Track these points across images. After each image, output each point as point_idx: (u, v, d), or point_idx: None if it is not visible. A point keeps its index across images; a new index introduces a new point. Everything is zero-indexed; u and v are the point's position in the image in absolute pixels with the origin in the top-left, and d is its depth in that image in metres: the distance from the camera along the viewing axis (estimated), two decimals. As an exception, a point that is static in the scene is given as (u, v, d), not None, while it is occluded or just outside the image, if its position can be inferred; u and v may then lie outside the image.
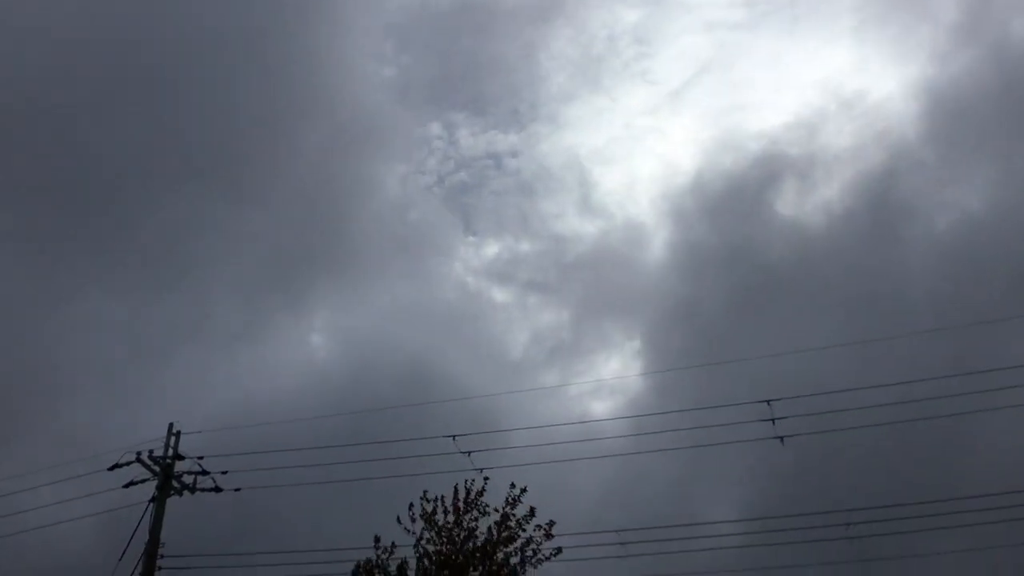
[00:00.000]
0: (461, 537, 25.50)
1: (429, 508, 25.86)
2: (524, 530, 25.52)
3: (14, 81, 51.95)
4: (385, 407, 29.73)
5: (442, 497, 25.97)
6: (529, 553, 25.24)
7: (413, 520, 25.76)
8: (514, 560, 25.19)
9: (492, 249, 57.89)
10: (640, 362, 49.83)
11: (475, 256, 56.82)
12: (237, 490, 27.76)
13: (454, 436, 25.50)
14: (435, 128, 63.82)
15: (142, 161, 54.00)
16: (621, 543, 24.89)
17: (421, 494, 25.96)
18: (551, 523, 25.39)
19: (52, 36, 53.04)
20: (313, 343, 51.69)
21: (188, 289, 51.99)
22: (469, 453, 25.60)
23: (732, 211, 54.70)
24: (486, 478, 25.92)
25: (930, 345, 32.48)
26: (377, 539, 26.10)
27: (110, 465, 27.13)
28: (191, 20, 55.86)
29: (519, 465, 25.99)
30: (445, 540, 25.47)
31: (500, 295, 54.34)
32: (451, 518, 25.73)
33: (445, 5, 67.18)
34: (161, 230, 51.86)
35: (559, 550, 25.18)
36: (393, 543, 25.89)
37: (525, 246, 57.24)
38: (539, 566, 25.18)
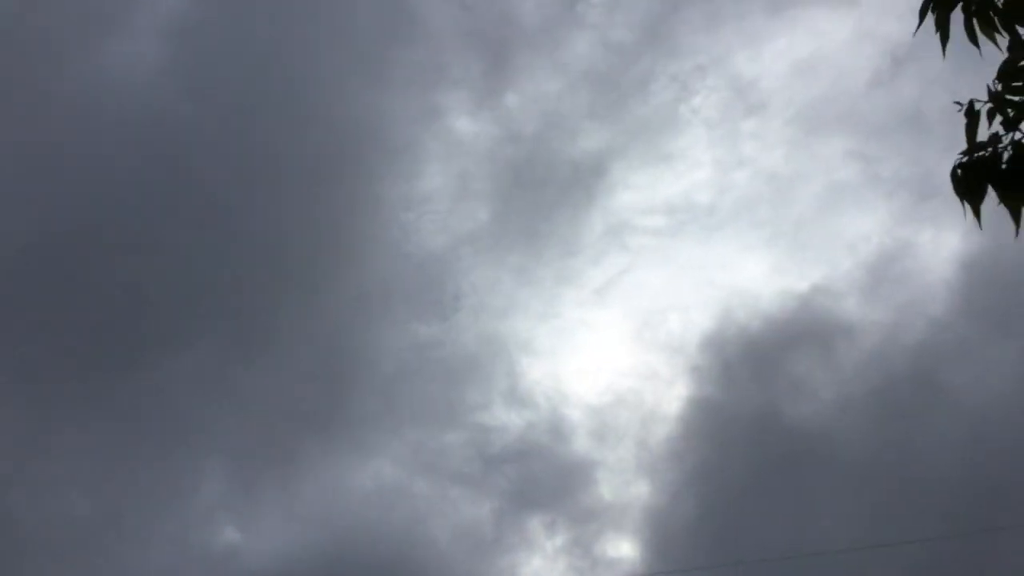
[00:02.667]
0: None
1: None
2: None
3: (14, 232, 51.30)
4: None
5: None
6: None
7: None
8: None
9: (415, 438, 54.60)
10: (563, 561, 46.35)
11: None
12: None
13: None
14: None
15: (143, 315, 52.63)
16: None
17: None
18: None
19: (54, 188, 52.90)
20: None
21: (173, 452, 49.51)
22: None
23: (730, 387, 52.59)
24: None
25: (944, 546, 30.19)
26: None
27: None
28: (208, 174, 55.69)
29: None
30: None
31: (422, 486, 50.69)
32: None
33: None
34: (155, 388, 49.96)
35: None
36: None
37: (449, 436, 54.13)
38: None
